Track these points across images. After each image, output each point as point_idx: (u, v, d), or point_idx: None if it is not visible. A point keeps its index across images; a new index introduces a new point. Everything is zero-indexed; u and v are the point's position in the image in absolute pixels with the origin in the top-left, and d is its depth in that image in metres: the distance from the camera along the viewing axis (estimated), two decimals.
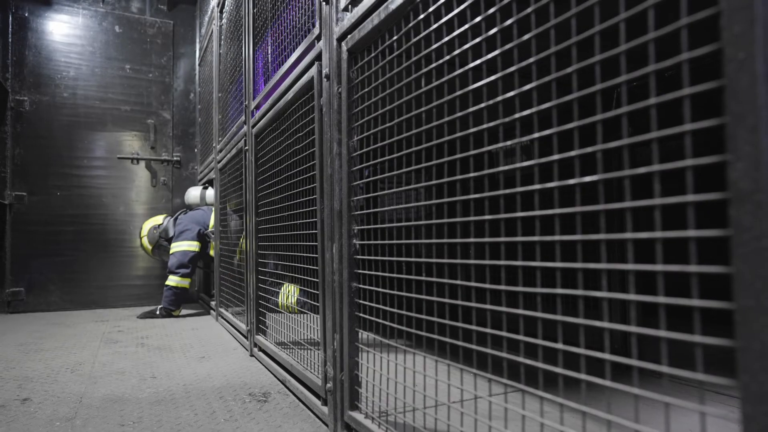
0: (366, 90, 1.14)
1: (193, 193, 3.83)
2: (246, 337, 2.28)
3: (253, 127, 2.19)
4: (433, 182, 0.90)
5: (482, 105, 0.75)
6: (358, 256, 1.19)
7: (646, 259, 0.59)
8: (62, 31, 3.84)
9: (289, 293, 3.46)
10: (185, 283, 3.31)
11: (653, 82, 0.53)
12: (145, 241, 3.62)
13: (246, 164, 2.28)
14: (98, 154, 3.90)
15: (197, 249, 3.38)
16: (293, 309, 3.41)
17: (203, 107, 4.01)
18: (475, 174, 0.78)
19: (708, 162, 0.46)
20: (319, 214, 1.37)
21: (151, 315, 3.32)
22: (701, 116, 0.50)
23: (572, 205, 0.62)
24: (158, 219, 3.65)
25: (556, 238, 0.63)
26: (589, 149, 0.59)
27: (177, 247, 3.37)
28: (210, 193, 3.75)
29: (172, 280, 3.29)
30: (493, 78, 0.73)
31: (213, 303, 3.38)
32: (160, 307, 3.35)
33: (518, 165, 0.69)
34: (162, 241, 3.53)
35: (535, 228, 0.67)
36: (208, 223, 3.47)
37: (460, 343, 0.84)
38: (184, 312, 3.58)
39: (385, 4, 1.01)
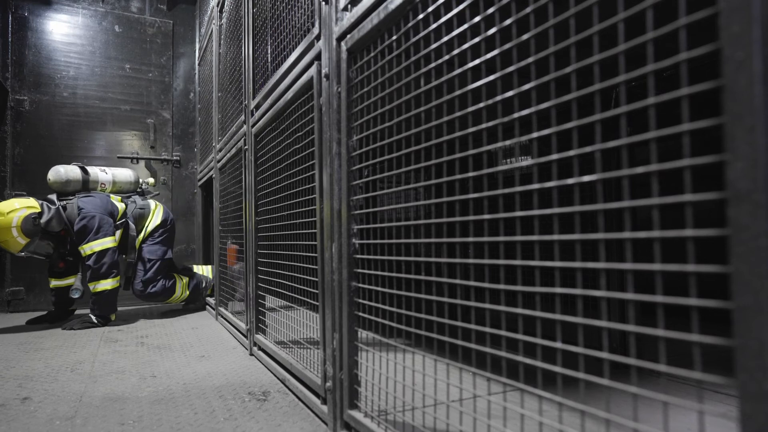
0: (365, 90, 1.14)
1: (71, 175, 3.09)
2: (246, 336, 2.28)
3: (252, 126, 2.19)
4: (433, 182, 0.90)
5: (481, 105, 0.75)
6: (358, 256, 1.19)
7: (645, 258, 0.59)
8: (62, 30, 3.84)
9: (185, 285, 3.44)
10: (117, 282, 2.99)
11: (652, 82, 0.53)
12: (14, 233, 2.71)
13: (246, 164, 2.28)
14: (98, 154, 3.90)
15: (116, 243, 3.05)
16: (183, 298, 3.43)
17: (203, 107, 4.01)
18: (474, 173, 0.79)
19: (706, 162, 0.46)
20: (319, 214, 1.37)
21: (86, 325, 2.89)
22: (700, 116, 0.50)
23: (571, 205, 0.62)
24: (30, 203, 2.82)
25: (555, 237, 0.64)
26: (588, 149, 0.59)
27: (101, 245, 2.92)
28: (104, 176, 3.24)
29: (107, 284, 2.92)
30: (492, 78, 0.73)
31: (213, 302, 3.38)
32: (95, 315, 2.93)
33: (518, 165, 0.70)
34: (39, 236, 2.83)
35: (534, 227, 0.67)
36: (115, 213, 3.12)
37: (459, 342, 0.84)
38: (183, 311, 3.58)
39: (385, 4, 1.01)
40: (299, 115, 1.60)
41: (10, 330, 2.85)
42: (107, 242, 2.96)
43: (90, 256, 2.91)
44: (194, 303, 3.65)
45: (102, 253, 2.92)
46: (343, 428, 1.21)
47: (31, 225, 2.74)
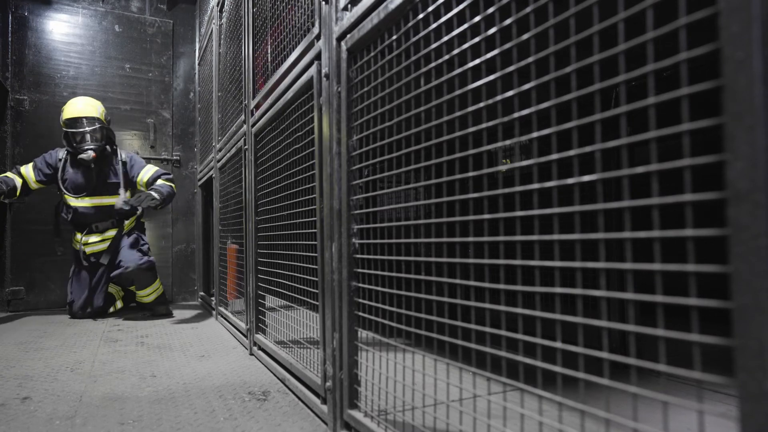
0: (365, 89, 1.14)
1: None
2: (246, 336, 2.29)
3: (252, 126, 2.19)
4: (432, 181, 0.90)
5: (481, 104, 0.75)
6: (358, 255, 1.19)
7: (645, 258, 0.59)
8: (62, 30, 3.84)
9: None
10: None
11: (652, 82, 0.53)
12: None
13: (245, 163, 2.28)
14: None
15: None
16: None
17: (203, 106, 4.01)
18: (474, 173, 0.79)
19: (706, 161, 0.46)
20: (319, 214, 1.37)
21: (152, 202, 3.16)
22: (699, 116, 0.50)
23: (571, 205, 0.62)
24: None
25: (555, 237, 0.64)
26: (588, 149, 0.59)
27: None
28: None
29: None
30: (492, 77, 0.74)
31: (213, 302, 3.38)
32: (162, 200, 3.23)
33: (517, 164, 0.70)
34: None
35: (534, 227, 0.67)
36: None
37: (459, 341, 0.84)
38: (183, 310, 3.59)
39: (385, 4, 1.01)
40: (299, 115, 1.60)
41: (10, 330, 2.86)
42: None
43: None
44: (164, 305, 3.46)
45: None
46: (343, 428, 1.21)
47: None
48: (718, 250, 0.48)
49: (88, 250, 3.29)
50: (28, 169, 3.25)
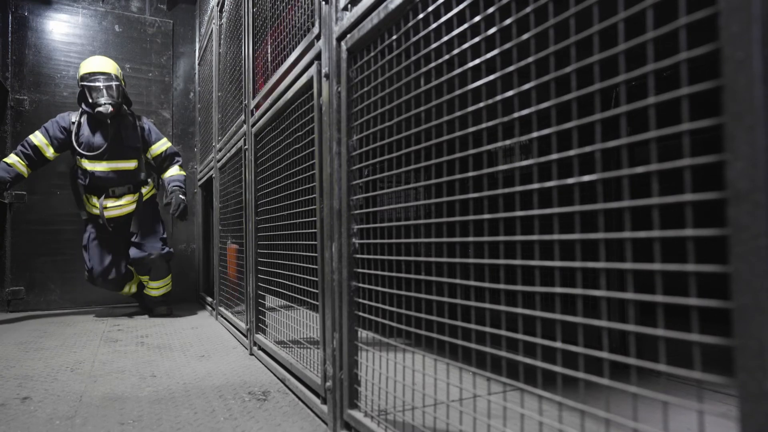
0: (365, 89, 1.14)
1: None
2: (246, 336, 2.29)
3: (252, 126, 2.19)
4: (432, 181, 0.90)
5: (481, 104, 0.75)
6: (358, 255, 1.19)
7: (645, 258, 0.59)
8: (62, 30, 3.84)
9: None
10: None
11: (652, 82, 0.53)
12: None
13: (245, 163, 2.28)
14: None
15: None
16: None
17: (203, 106, 4.01)
18: (474, 173, 0.79)
19: (706, 161, 0.46)
20: (319, 214, 1.37)
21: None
22: (699, 116, 0.50)
23: (571, 205, 0.62)
24: None
25: (555, 237, 0.64)
26: (588, 149, 0.59)
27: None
28: None
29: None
30: (492, 77, 0.74)
31: (212, 302, 3.38)
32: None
33: (517, 164, 0.70)
34: None
35: (534, 227, 0.67)
36: None
37: (459, 341, 0.84)
38: (183, 310, 3.58)
39: (385, 4, 1.01)
40: (299, 115, 1.60)
41: (10, 330, 2.86)
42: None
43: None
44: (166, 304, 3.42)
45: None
46: (343, 428, 1.21)
47: None
48: (718, 250, 0.48)
49: (107, 214, 3.17)
50: (39, 138, 3.09)
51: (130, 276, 3.40)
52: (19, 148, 3.07)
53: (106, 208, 3.16)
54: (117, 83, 3.12)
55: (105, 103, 3.04)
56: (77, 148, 3.09)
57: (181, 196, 3.25)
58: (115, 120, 3.13)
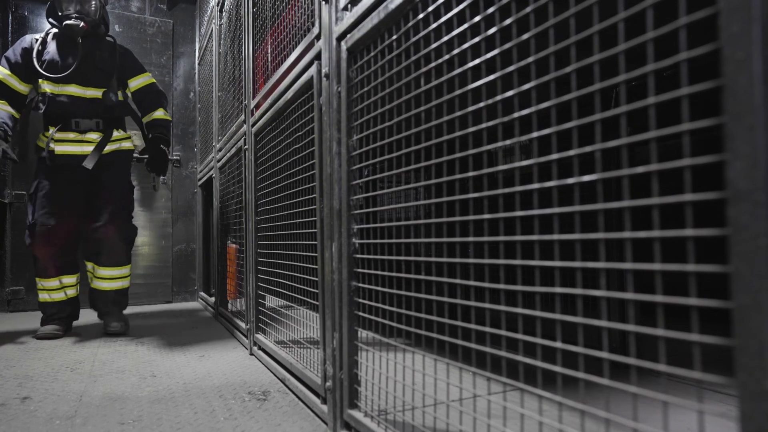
0: (365, 89, 1.14)
1: None
2: (246, 336, 2.29)
3: (252, 126, 2.19)
4: (433, 181, 0.90)
5: (481, 104, 0.75)
6: (358, 255, 1.19)
7: (645, 258, 0.59)
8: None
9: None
10: None
11: (652, 82, 0.53)
12: None
13: (246, 163, 2.28)
14: None
15: None
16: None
17: (203, 106, 4.01)
18: (474, 173, 0.79)
19: (706, 161, 0.46)
20: (319, 213, 1.37)
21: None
22: (699, 116, 0.50)
23: (571, 204, 0.62)
24: None
25: (555, 237, 0.64)
26: (588, 148, 0.59)
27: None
28: None
29: None
30: (492, 77, 0.74)
31: (213, 302, 3.38)
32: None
33: (517, 164, 0.70)
34: None
35: (534, 227, 0.67)
36: None
37: (459, 341, 0.84)
38: (183, 310, 3.58)
39: (385, 4, 1.01)
40: (299, 115, 1.60)
41: (10, 330, 2.86)
42: None
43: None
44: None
45: None
46: (343, 428, 1.21)
47: None
48: (718, 250, 0.48)
49: (60, 149, 2.46)
50: (7, 77, 2.46)
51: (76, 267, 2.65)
52: None
53: (59, 141, 2.46)
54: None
55: (76, 17, 2.46)
56: (38, 67, 2.44)
57: (162, 146, 2.69)
58: (89, 40, 2.56)
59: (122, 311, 2.72)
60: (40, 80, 2.49)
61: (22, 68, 2.49)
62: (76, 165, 2.50)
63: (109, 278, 2.61)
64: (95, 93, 2.57)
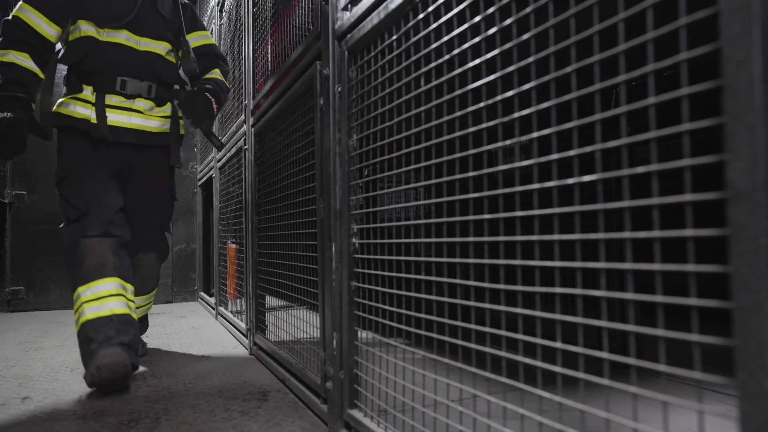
0: (365, 89, 1.14)
1: None
2: (246, 336, 2.28)
3: (252, 126, 2.19)
4: (432, 181, 0.90)
5: (481, 104, 0.75)
6: (357, 255, 1.19)
7: (645, 258, 0.59)
8: None
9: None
10: None
11: (652, 82, 0.53)
12: None
13: (246, 163, 2.28)
14: None
15: None
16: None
17: None
18: (474, 173, 0.79)
19: (706, 161, 0.46)
20: (319, 214, 1.37)
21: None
22: (699, 116, 0.50)
23: (571, 205, 0.62)
24: None
25: (555, 237, 0.64)
26: (588, 149, 0.59)
27: None
28: None
29: None
30: (492, 77, 0.73)
31: (213, 302, 3.38)
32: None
33: (517, 164, 0.70)
34: None
35: (534, 227, 0.67)
36: None
37: (459, 342, 0.84)
38: (183, 310, 3.59)
39: (385, 4, 1.01)
40: (299, 115, 1.60)
41: (10, 330, 2.86)
42: None
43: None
44: None
45: None
46: (343, 428, 1.21)
47: None
48: (718, 250, 0.48)
49: (111, 120, 1.87)
50: (31, 14, 1.74)
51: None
52: (5, 37, 1.72)
53: (108, 107, 1.87)
54: None
55: None
56: (81, 10, 1.82)
57: (208, 95, 1.98)
58: None
59: (141, 332, 2.22)
60: (79, 20, 1.83)
61: (57, 8, 1.79)
62: (125, 135, 1.89)
63: (141, 306, 2.14)
64: (153, 46, 1.95)
